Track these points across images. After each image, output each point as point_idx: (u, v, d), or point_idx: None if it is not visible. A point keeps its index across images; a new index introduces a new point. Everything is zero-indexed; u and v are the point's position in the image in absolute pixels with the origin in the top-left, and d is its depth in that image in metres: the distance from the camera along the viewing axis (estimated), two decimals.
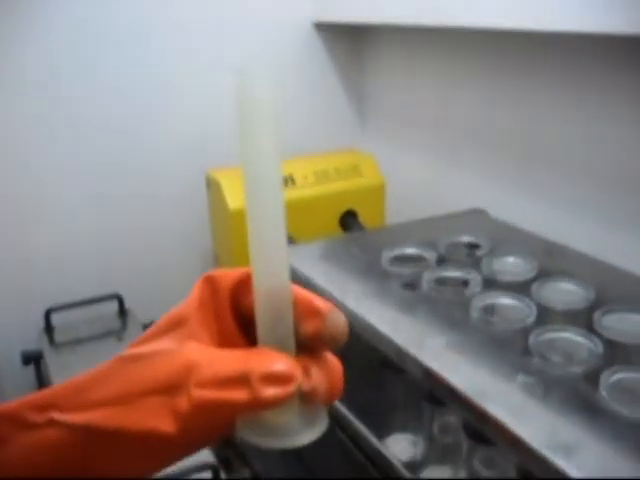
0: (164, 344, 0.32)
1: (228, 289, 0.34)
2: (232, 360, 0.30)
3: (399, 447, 0.82)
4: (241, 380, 0.29)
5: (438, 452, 0.74)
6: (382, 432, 0.83)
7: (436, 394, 0.62)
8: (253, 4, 1.32)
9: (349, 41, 1.45)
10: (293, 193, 1.16)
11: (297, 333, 0.32)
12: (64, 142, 1.24)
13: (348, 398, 0.80)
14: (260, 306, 0.32)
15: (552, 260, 0.82)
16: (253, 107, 0.30)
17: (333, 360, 0.33)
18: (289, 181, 1.17)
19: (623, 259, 0.80)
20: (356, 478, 0.83)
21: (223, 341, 0.34)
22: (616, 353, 0.60)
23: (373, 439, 0.81)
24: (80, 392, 0.32)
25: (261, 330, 0.32)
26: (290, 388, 0.29)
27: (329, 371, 0.32)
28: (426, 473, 0.74)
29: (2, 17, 1.13)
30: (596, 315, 0.66)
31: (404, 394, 0.79)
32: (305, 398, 0.31)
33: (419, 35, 1.26)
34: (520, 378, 0.58)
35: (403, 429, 0.82)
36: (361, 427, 0.82)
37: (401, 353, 0.65)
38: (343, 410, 0.82)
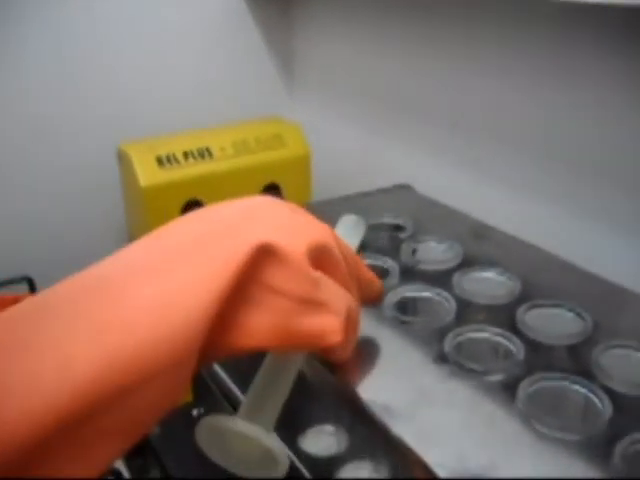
0: None
1: None
2: None
3: (319, 442, 0.76)
4: None
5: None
6: (300, 426, 0.77)
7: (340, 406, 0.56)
8: None
9: (277, 2, 1.34)
10: (209, 166, 1.08)
11: None
12: None
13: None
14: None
15: (479, 244, 0.75)
16: None
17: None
18: (205, 153, 1.08)
19: (554, 241, 0.74)
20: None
21: None
22: (539, 357, 0.54)
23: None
24: None
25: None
26: None
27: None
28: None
29: None
30: (520, 311, 0.60)
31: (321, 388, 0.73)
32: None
33: None
34: (431, 389, 0.51)
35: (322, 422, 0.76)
36: None
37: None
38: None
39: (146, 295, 0.32)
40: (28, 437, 0.26)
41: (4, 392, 0.27)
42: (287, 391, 0.43)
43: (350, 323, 0.44)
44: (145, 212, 1.07)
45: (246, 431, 0.37)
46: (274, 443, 0.38)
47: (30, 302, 0.33)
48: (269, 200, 0.43)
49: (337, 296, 0.42)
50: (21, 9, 1.14)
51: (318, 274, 0.41)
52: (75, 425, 0.28)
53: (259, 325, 0.37)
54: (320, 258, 0.42)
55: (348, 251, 0.48)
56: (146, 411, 0.31)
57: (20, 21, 1.14)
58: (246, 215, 0.40)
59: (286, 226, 0.41)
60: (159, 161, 1.07)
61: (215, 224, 0.39)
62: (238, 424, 0.37)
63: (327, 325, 0.41)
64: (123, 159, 1.11)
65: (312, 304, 0.39)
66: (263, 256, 0.37)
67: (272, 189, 1.12)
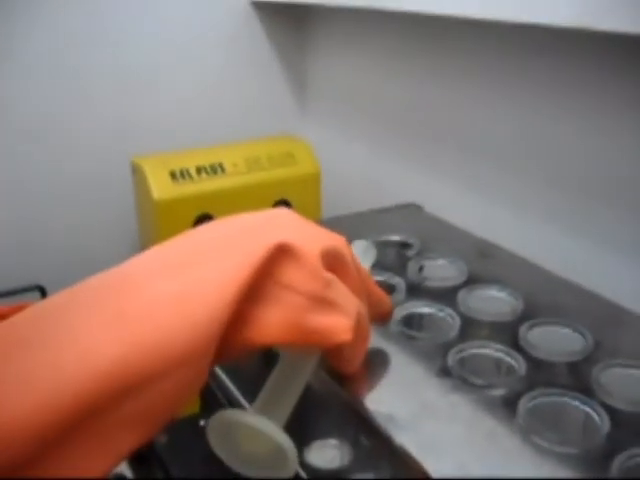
0: None
1: None
2: None
3: (324, 454, 0.77)
4: None
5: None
6: (306, 438, 0.78)
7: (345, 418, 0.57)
8: None
9: (290, 21, 1.37)
10: (221, 182, 1.10)
11: None
12: None
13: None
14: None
15: (484, 263, 0.77)
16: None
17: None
18: (218, 169, 1.10)
19: (557, 261, 0.75)
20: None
21: None
22: (541, 373, 0.55)
23: None
24: None
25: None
26: None
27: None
28: None
29: None
30: (522, 329, 0.61)
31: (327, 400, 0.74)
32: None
33: (365, 17, 1.19)
34: (434, 403, 0.53)
35: (327, 434, 0.76)
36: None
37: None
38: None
39: (165, 290, 0.34)
40: (50, 426, 0.28)
41: (27, 385, 0.28)
42: (300, 391, 0.44)
43: (360, 329, 0.45)
44: (157, 225, 1.09)
45: (258, 424, 0.38)
46: (285, 438, 0.39)
47: (50, 300, 0.34)
48: (287, 211, 0.45)
49: (348, 299, 0.44)
50: (36, 21, 1.17)
51: (330, 275, 0.42)
52: (96, 413, 0.29)
53: (271, 321, 0.38)
54: (333, 263, 0.43)
55: (360, 268, 0.49)
56: (165, 401, 0.32)
57: (39, 36, 1.17)
58: (265, 221, 0.42)
59: (303, 230, 0.43)
60: (172, 175, 1.09)
61: (234, 228, 0.41)
62: (251, 418, 0.38)
63: (338, 323, 0.42)
64: (137, 172, 1.13)
65: (324, 302, 0.41)
66: (279, 254, 0.39)
67: (282, 205, 1.14)
